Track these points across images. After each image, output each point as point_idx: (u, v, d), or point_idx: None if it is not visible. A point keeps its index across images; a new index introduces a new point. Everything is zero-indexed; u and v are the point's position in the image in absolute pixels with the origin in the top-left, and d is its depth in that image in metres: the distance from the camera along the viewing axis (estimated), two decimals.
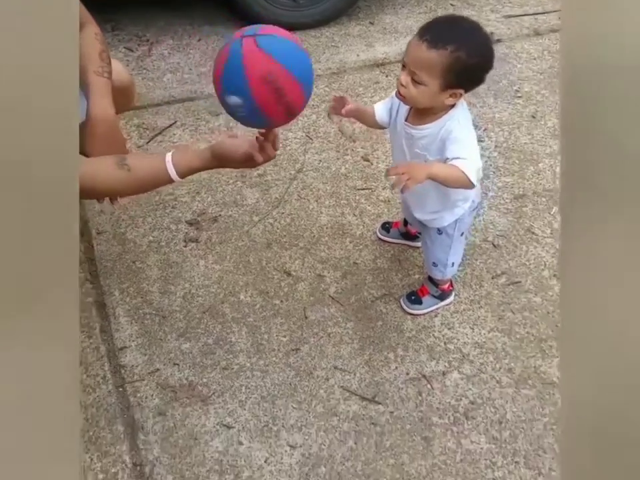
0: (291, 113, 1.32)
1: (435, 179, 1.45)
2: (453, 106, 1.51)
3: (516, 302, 1.94)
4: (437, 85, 1.42)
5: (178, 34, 3.19)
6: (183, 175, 1.49)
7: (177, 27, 3.23)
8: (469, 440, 1.64)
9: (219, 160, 1.49)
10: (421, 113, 1.54)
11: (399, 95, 1.49)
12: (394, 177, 1.40)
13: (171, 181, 1.50)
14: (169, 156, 1.48)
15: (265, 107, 1.26)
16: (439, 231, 1.75)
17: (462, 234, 1.76)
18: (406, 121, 1.59)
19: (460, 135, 1.49)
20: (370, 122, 1.73)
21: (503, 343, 1.84)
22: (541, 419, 1.67)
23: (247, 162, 1.49)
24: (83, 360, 1.82)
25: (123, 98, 1.99)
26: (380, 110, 1.68)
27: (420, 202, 1.71)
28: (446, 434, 1.66)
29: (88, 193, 1.49)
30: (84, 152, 1.68)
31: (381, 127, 1.73)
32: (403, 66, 1.45)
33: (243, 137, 1.52)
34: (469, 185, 1.47)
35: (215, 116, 2.69)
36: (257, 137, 1.47)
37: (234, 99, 1.26)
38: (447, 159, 1.49)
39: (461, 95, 1.47)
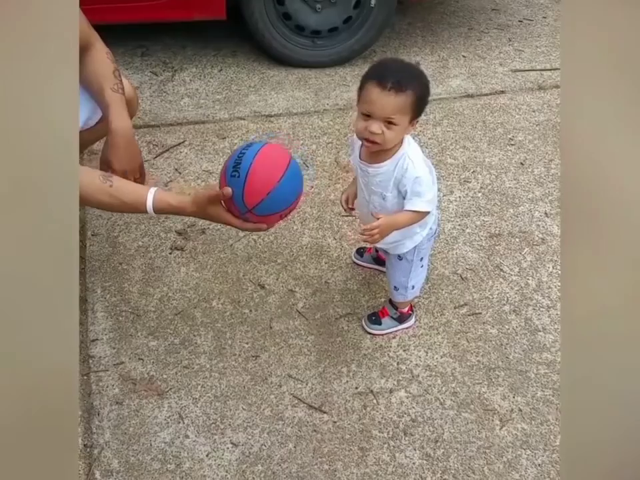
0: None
1: (398, 229, 1.67)
2: (402, 143, 1.64)
3: (472, 332, 1.99)
4: (406, 121, 1.56)
5: (202, 63, 3.37)
6: (158, 209, 1.60)
7: (202, 57, 3.42)
8: (404, 455, 1.68)
9: (199, 203, 1.57)
10: (374, 151, 1.65)
11: (371, 142, 1.58)
12: (366, 234, 1.62)
13: (145, 211, 1.60)
14: (153, 189, 1.60)
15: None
16: (399, 257, 1.84)
17: (421, 259, 1.84)
18: (360, 159, 1.70)
19: (415, 172, 1.63)
20: None
21: (453, 368, 1.89)
22: (476, 441, 1.71)
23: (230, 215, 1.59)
24: None
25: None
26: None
27: None
28: (382, 447, 1.70)
29: None
30: (106, 160, 1.82)
31: None
32: (367, 116, 1.55)
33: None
34: (425, 216, 1.67)
35: (222, 139, 2.84)
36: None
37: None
38: (406, 192, 1.65)
39: (417, 122, 1.59)
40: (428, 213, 1.67)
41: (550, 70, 3.31)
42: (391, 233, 1.67)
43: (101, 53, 1.91)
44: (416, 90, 1.52)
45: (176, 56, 3.40)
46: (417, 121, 1.59)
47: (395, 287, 1.90)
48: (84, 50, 1.86)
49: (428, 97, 1.58)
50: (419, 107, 1.56)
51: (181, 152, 2.75)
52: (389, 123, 1.53)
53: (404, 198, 1.66)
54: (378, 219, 1.62)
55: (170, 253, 2.28)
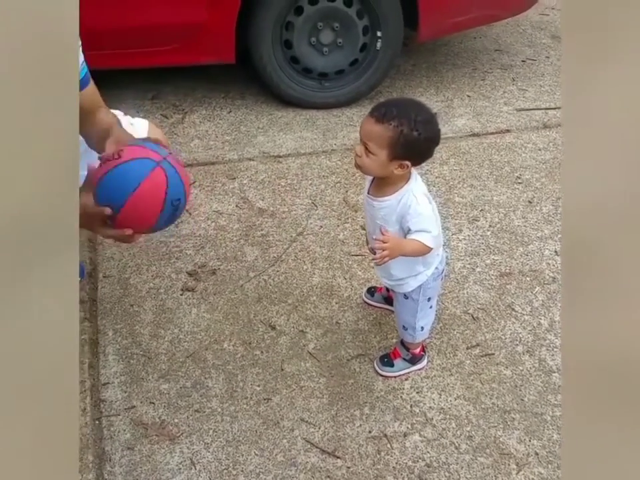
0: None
1: (405, 255, 1.67)
2: (408, 180, 1.66)
3: (486, 373, 1.98)
4: (384, 154, 1.57)
5: (212, 105, 3.43)
6: None
7: (212, 99, 3.47)
8: None
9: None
10: (380, 186, 1.69)
11: (356, 165, 1.65)
12: (377, 246, 1.60)
13: None
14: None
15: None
16: (405, 296, 1.83)
17: (428, 299, 1.84)
18: (368, 193, 1.74)
19: (418, 209, 1.64)
20: None
21: (467, 411, 1.87)
22: None
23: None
24: None
25: None
26: None
27: (385, 269, 1.81)
28: None
29: None
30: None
31: None
32: (361, 140, 1.61)
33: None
34: (429, 251, 1.66)
35: (231, 179, 2.87)
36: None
37: None
38: (410, 229, 1.66)
39: (408, 166, 1.61)
40: (431, 249, 1.66)
41: (554, 109, 3.34)
42: (397, 257, 1.65)
43: (106, 115, 1.79)
44: (402, 128, 1.52)
45: (186, 98, 3.46)
46: (407, 165, 1.59)
47: (404, 326, 1.90)
48: (90, 113, 1.75)
49: (421, 144, 1.56)
50: (403, 146, 1.54)
51: (191, 193, 2.76)
52: (365, 148, 1.58)
53: (405, 235, 1.67)
54: (384, 234, 1.62)
55: (181, 294, 2.28)
